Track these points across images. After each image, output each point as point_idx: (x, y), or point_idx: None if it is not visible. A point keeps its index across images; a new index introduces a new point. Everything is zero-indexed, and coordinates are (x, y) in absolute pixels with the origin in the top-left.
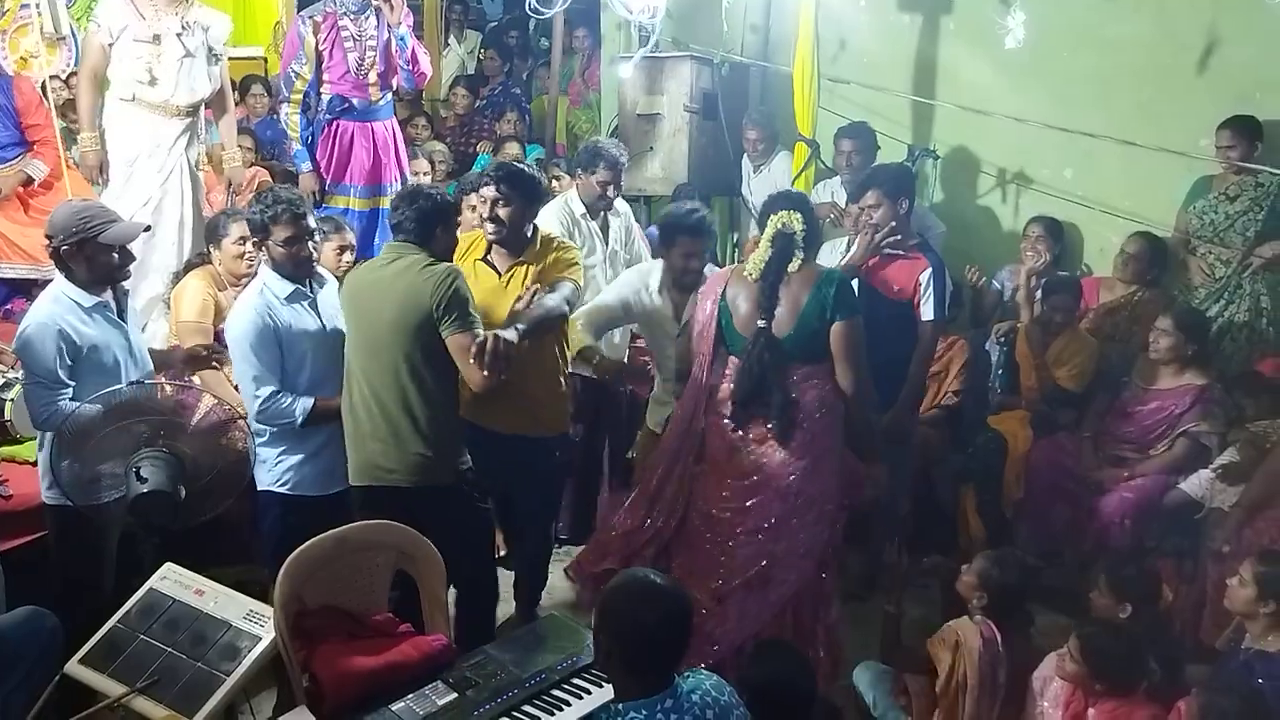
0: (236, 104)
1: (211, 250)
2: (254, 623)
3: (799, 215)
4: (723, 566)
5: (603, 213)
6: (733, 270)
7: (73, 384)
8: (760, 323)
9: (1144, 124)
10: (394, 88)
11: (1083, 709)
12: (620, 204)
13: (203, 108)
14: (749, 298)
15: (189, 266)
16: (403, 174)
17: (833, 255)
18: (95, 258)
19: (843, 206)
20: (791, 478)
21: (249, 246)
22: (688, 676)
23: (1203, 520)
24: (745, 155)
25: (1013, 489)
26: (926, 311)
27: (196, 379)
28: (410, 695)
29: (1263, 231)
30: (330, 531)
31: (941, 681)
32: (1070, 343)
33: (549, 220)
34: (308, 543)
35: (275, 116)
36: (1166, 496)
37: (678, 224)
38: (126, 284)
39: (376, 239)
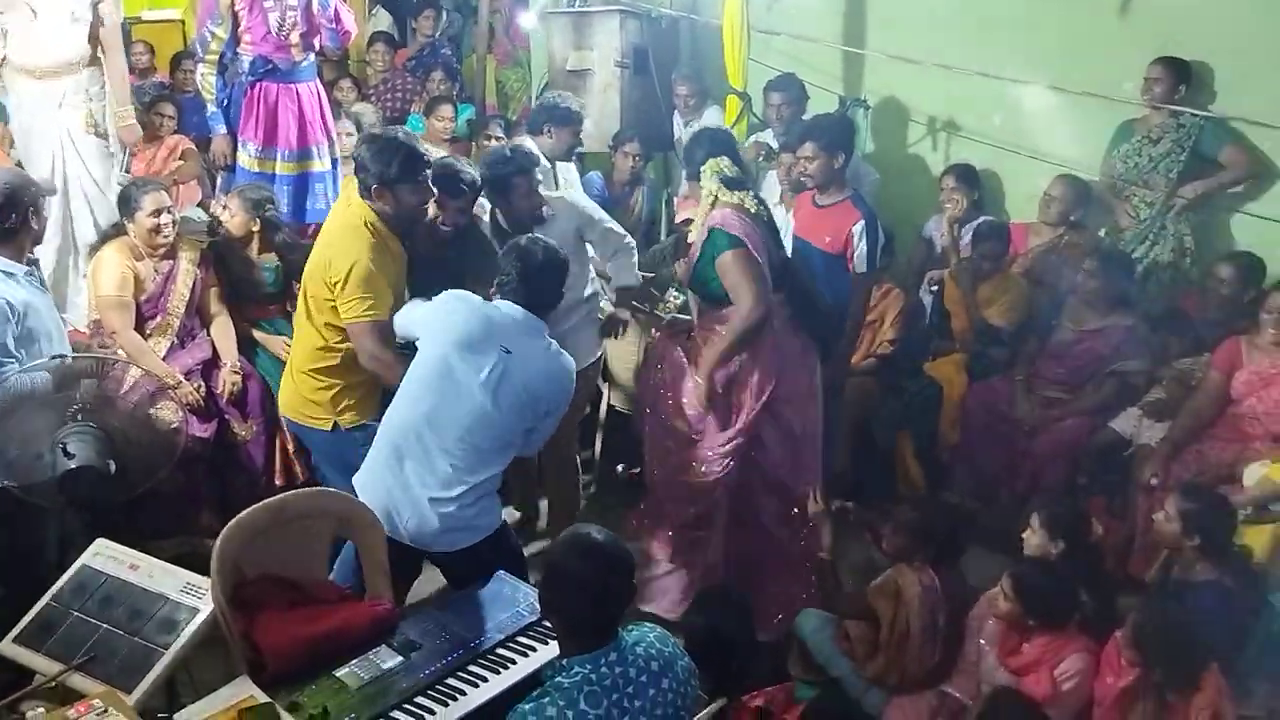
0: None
1: (125, 222)
2: (192, 595)
3: (727, 160)
4: None
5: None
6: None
7: (20, 355)
8: None
9: (1070, 69)
10: (317, 48)
11: (1017, 645)
12: (568, 167)
13: (85, 68)
14: None
15: (105, 237)
16: (330, 137)
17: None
18: (31, 225)
19: (773, 148)
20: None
21: (164, 218)
22: (631, 629)
23: (1131, 457)
24: (676, 110)
25: (949, 434)
26: (859, 263)
27: (120, 351)
28: (354, 660)
29: (1185, 172)
30: (268, 500)
31: (885, 630)
32: (999, 284)
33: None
34: (245, 511)
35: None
36: (1096, 435)
37: (510, 167)
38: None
39: (308, 204)
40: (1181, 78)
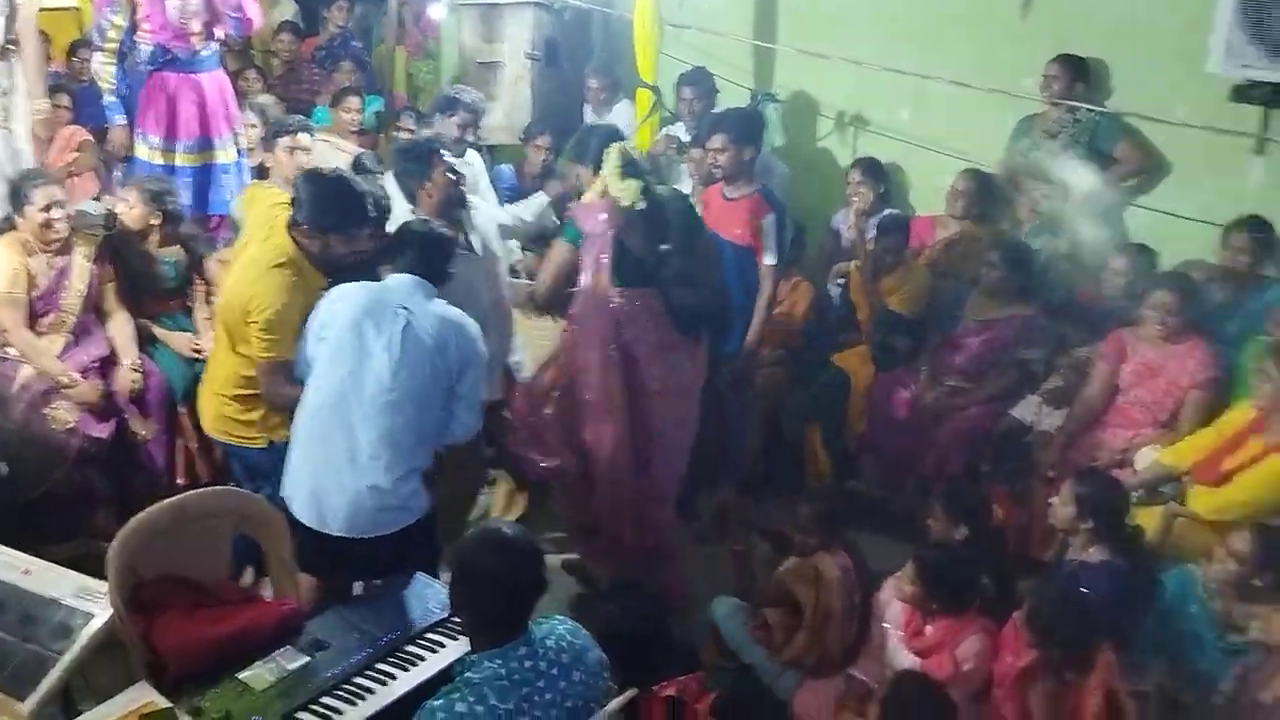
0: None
1: (16, 216)
2: (87, 600)
3: (629, 146)
4: None
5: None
6: None
7: None
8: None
9: (974, 66)
10: (220, 37)
11: (921, 627)
12: (473, 155)
13: None
14: None
15: None
16: (234, 128)
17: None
18: None
19: (684, 141)
20: None
21: (55, 213)
22: (541, 623)
23: (1031, 444)
24: (588, 104)
25: (856, 423)
26: (768, 257)
27: (11, 349)
28: (259, 662)
29: (1081, 167)
30: (166, 500)
31: (808, 614)
32: (902, 275)
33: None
34: (143, 512)
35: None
36: (998, 423)
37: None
38: None
39: (211, 195)
40: (1079, 74)
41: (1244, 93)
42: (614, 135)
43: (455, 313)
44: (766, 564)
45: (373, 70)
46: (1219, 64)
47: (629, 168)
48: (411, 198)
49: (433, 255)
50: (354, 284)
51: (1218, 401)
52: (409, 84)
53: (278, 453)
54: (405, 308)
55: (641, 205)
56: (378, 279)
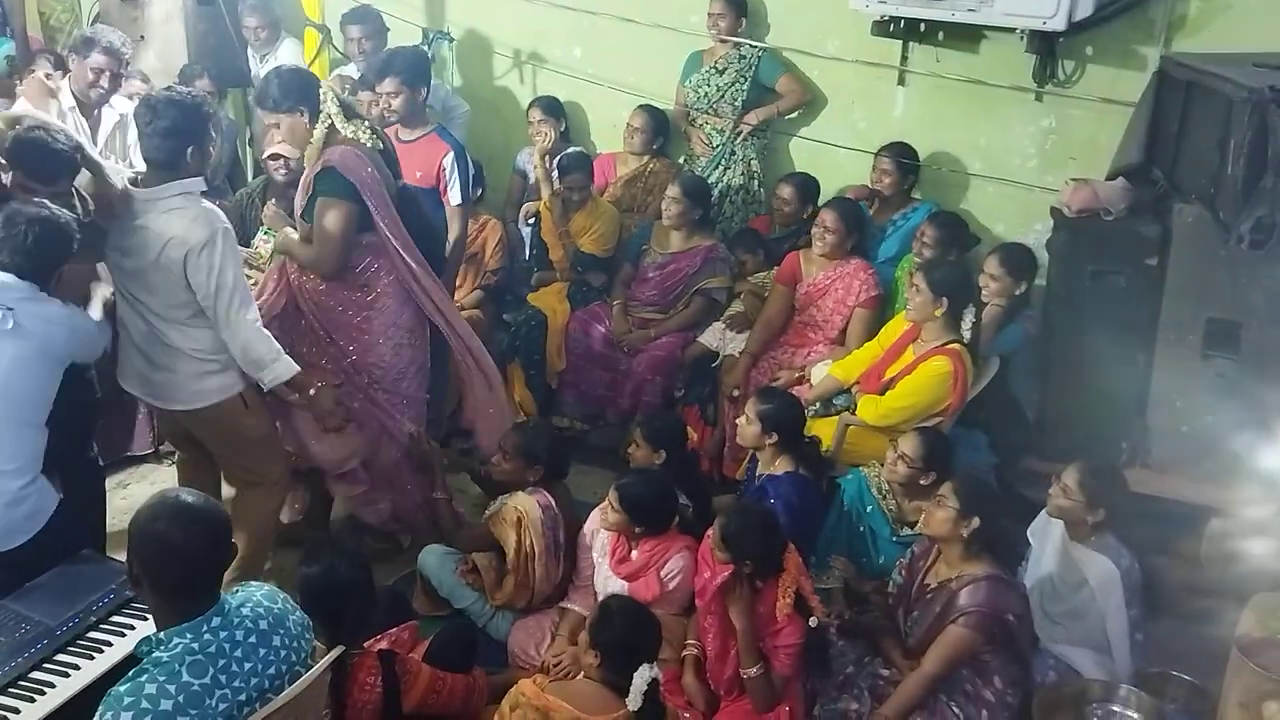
0: None
1: None
2: None
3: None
4: None
5: (97, 109)
6: None
7: None
8: None
9: (641, 3)
10: None
11: (627, 552)
12: (121, 101)
13: None
14: None
15: None
16: None
17: None
18: None
19: (357, 82)
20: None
21: None
22: (237, 591)
23: (718, 368)
24: (250, 45)
25: (555, 360)
26: (454, 196)
27: None
28: None
29: (748, 100)
30: None
31: (511, 556)
32: (591, 213)
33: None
34: None
35: None
36: (687, 350)
37: None
38: None
39: None
40: (741, 11)
41: (884, 28)
42: (309, 75)
43: (69, 312)
44: (474, 510)
45: (2, 9)
46: (859, 1)
47: (347, 109)
48: None
49: (36, 252)
50: None
51: (880, 317)
52: (43, 25)
53: None
54: (9, 308)
55: (380, 147)
56: None
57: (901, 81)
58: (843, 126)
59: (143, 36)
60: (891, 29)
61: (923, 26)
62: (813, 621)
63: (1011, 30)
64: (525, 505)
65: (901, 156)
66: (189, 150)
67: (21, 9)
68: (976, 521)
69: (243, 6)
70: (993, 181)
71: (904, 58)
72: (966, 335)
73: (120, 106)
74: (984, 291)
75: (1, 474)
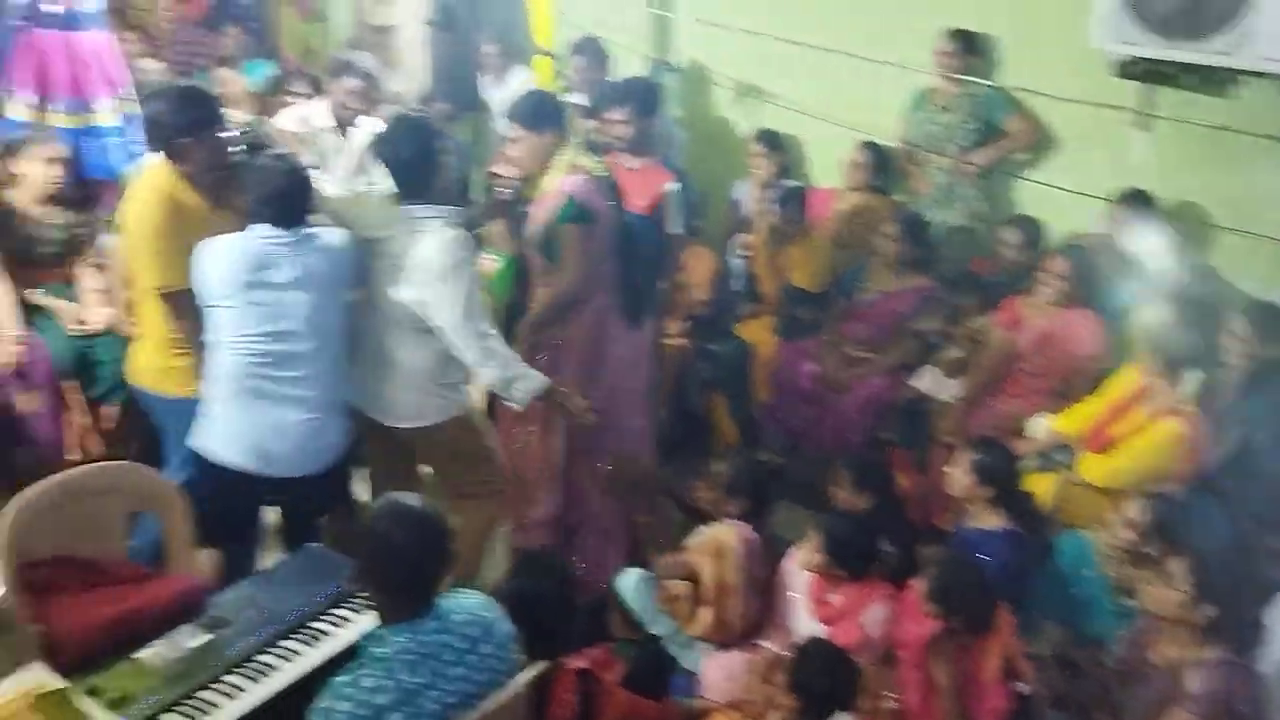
0: None
1: None
2: None
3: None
4: None
5: (347, 128)
6: None
7: None
8: None
9: (869, 39)
10: None
11: (826, 595)
12: (371, 122)
13: None
14: None
15: None
16: (118, 91)
17: None
18: None
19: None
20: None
21: None
22: (450, 597)
23: (930, 412)
24: (482, 71)
25: (760, 393)
26: (673, 225)
27: None
28: (158, 641)
29: (975, 140)
30: (54, 476)
31: (708, 588)
32: (804, 247)
33: (283, 128)
34: (29, 488)
35: None
36: (898, 392)
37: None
38: None
39: (91, 158)
40: (971, 49)
41: (1128, 69)
42: (562, 101)
43: (330, 237)
44: (675, 535)
45: (262, 33)
46: (1103, 40)
47: (594, 146)
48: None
49: (286, 202)
50: (228, 240)
51: (1107, 370)
52: (299, 48)
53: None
54: (285, 249)
55: (610, 179)
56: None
57: (1144, 126)
58: (1074, 170)
59: (389, 61)
60: (1135, 70)
61: (1170, 69)
62: (1023, 688)
63: (1265, 75)
64: (726, 537)
65: (1141, 205)
66: (438, 173)
67: (281, 34)
68: (1213, 610)
69: (483, 35)
70: (1241, 235)
71: (1148, 101)
72: (1194, 397)
73: (370, 127)
74: (1229, 354)
75: (314, 402)
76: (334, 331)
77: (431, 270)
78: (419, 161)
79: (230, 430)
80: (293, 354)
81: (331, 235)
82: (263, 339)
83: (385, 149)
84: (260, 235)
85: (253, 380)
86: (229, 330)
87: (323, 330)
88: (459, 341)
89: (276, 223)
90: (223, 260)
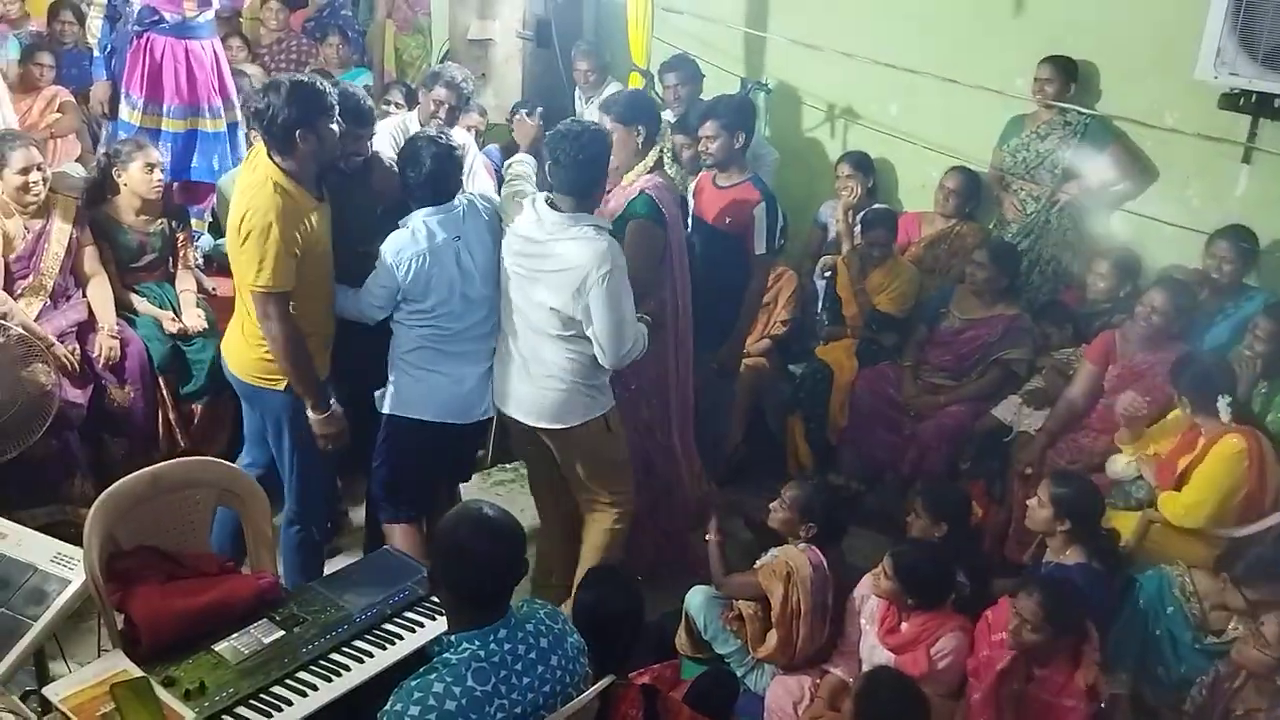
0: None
1: None
2: (63, 565)
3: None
4: None
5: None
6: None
7: None
8: None
9: (963, 63)
10: (214, 4)
11: (897, 623)
12: (462, 134)
13: None
14: None
15: None
16: (226, 97)
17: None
18: None
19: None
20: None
21: (34, 175)
22: (522, 606)
23: (1011, 444)
24: (576, 86)
25: (838, 417)
26: (759, 244)
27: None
28: (234, 634)
29: (1069, 169)
30: (144, 468)
31: (777, 611)
32: (890, 271)
33: (381, 138)
34: (120, 480)
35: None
36: (979, 421)
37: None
38: None
39: (195, 161)
40: (1070, 76)
41: (1232, 101)
42: (657, 103)
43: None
44: (743, 556)
45: (362, 43)
46: (1208, 71)
47: (675, 155)
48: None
49: (439, 180)
50: (409, 237)
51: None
52: (397, 59)
53: (298, 399)
54: (457, 237)
55: (683, 194)
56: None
57: (1246, 159)
58: (1173, 203)
59: (484, 75)
60: (1241, 103)
61: (1277, 102)
62: None
63: None
64: (796, 561)
65: (1242, 241)
66: (601, 181)
67: (380, 45)
68: None
69: (576, 51)
70: None
71: (1252, 134)
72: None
73: (458, 138)
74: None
75: (486, 353)
76: (496, 284)
77: (586, 274)
78: (591, 169)
79: (420, 391)
80: (470, 312)
81: (480, 201)
82: (444, 308)
83: (564, 156)
84: (426, 215)
85: (441, 344)
86: (417, 307)
87: (491, 280)
88: (601, 345)
89: (437, 201)
90: (407, 253)
